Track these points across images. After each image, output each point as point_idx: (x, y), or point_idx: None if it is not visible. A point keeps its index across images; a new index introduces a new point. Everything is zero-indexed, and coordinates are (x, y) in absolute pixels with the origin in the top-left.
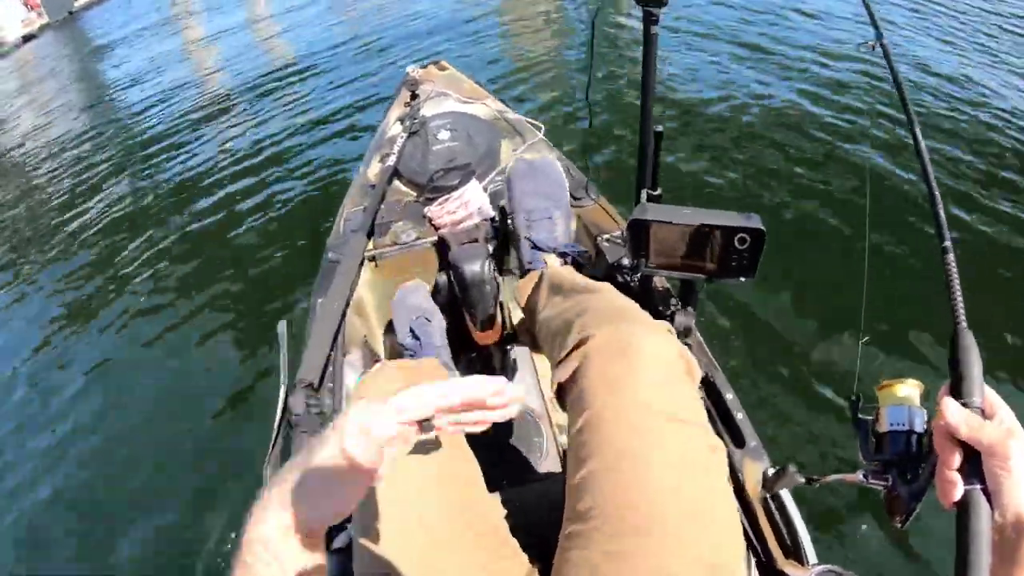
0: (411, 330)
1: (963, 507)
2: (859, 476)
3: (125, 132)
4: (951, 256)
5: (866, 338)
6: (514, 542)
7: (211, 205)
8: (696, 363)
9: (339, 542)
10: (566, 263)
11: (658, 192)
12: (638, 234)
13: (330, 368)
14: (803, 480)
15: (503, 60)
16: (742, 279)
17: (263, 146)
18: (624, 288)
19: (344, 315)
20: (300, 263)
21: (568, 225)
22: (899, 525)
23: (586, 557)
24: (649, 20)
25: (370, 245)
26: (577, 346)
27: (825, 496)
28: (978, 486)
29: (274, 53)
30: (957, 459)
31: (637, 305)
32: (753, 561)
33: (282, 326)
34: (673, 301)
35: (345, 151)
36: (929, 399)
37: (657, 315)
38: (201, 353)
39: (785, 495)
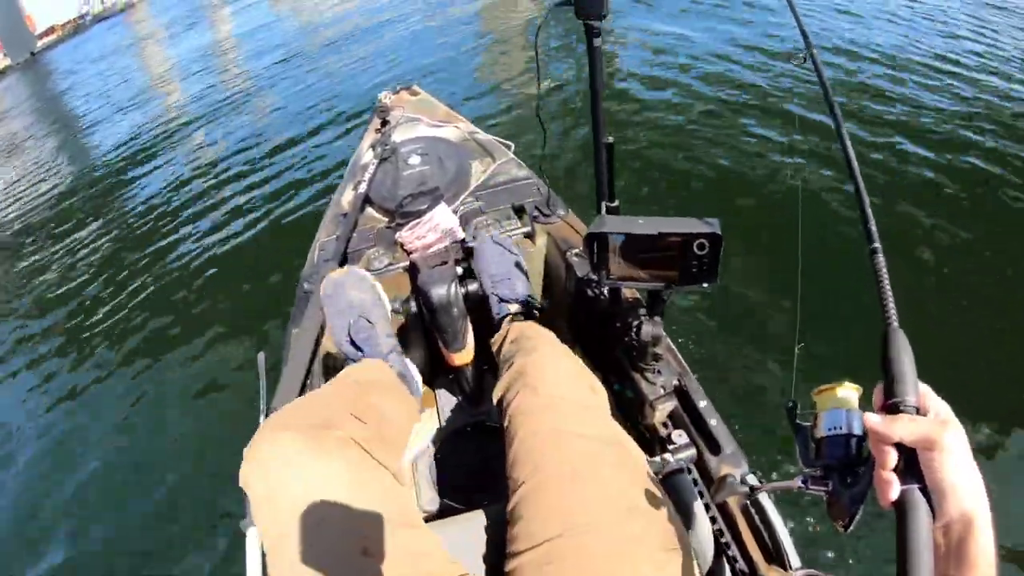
0: (350, 337)
1: (900, 507)
2: (798, 483)
3: (91, 167)
4: (880, 258)
5: (801, 344)
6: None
7: (181, 240)
8: (599, 383)
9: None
10: (523, 309)
11: (615, 203)
12: (595, 248)
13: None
14: (746, 489)
15: (477, 78)
16: (705, 285)
17: (232, 179)
18: (593, 301)
19: (319, 343)
20: (277, 295)
21: (526, 283)
22: (842, 530)
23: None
24: (590, 33)
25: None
26: (504, 372)
27: (807, 500)
28: (915, 485)
29: (241, 81)
30: (893, 459)
31: (561, 344)
32: (728, 570)
33: (261, 357)
34: (642, 311)
35: (318, 181)
36: (868, 400)
37: (625, 326)
38: (179, 389)
39: (765, 500)
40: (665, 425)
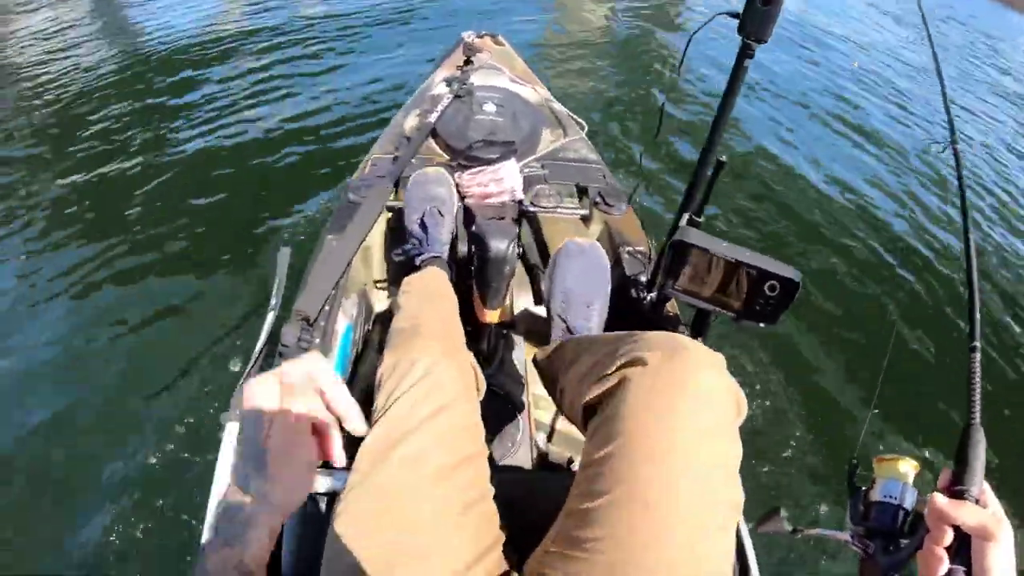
0: (422, 219)
1: None
2: (847, 535)
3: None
4: (978, 355)
5: (876, 410)
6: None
7: (226, 143)
8: (745, 400)
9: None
10: None
11: (702, 219)
12: (677, 255)
13: (326, 307)
14: (789, 529)
15: (556, 48)
16: (761, 325)
17: (276, 100)
18: (635, 302)
19: (352, 258)
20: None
21: (603, 319)
22: None
23: None
24: (745, 53)
25: (393, 196)
26: (621, 367)
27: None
28: (961, 568)
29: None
30: (948, 538)
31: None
32: None
33: (284, 253)
34: (682, 328)
35: (370, 105)
36: (924, 480)
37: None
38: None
39: (744, 532)
40: None
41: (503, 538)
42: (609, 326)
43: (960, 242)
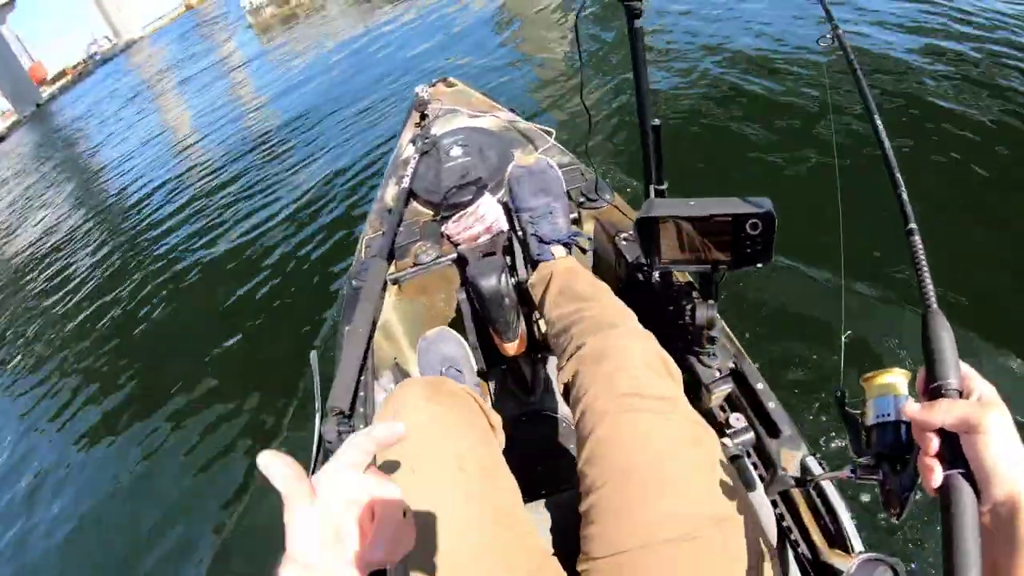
0: None
1: (944, 494)
2: (847, 472)
3: (111, 210)
4: (916, 238)
5: (848, 332)
6: (550, 555)
7: (219, 270)
8: (674, 365)
9: None
10: (569, 252)
11: (664, 186)
12: (646, 232)
13: (361, 393)
14: (793, 483)
15: (511, 69)
16: (759, 265)
17: (264, 208)
18: (645, 286)
19: (371, 339)
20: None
21: (568, 217)
22: (895, 519)
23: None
24: (631, 14)
25: (392, 268)
26: (572, 353)
27: (864, 485)
28: (958, 471)
29: (268, 107)
30: (935, 445)
31: (627, 312)
32: (791, 554)
33: (313, 356)
34: (695, 294)
35: (357, 191)
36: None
37: (679, 310)
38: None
39: (826, 483)
40: (723, 409)
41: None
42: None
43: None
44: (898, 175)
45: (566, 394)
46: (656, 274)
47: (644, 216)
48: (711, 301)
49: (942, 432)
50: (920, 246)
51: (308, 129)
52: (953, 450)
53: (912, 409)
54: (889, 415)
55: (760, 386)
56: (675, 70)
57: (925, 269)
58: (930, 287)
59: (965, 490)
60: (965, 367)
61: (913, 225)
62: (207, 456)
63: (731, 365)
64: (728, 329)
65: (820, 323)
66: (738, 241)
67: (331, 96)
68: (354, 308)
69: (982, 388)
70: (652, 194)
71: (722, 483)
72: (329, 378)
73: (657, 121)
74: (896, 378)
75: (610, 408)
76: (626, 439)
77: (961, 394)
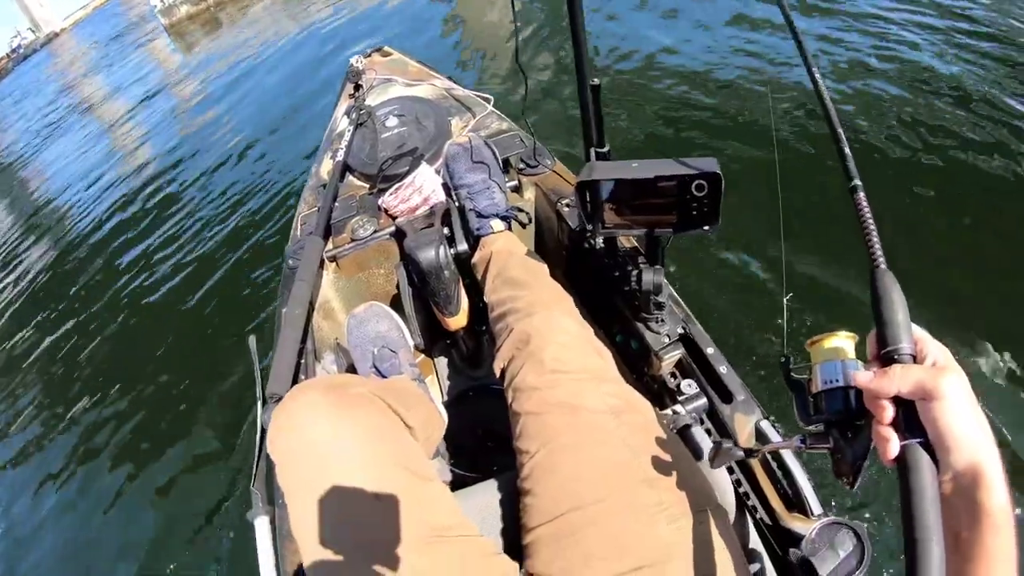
0: (375, 367)
1: (902, 464)
2: (796, 442)
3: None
4: (861, 195)
5: (790, 294)
6: (495, 555)
7: (152, 272)
8: (602, 345)
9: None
10: (508, 226)
11: (605, 148)
12: (587, 197)
13: (302, 376)
14: (742, 454)
15: (449, 37)
16: (706, 228)
17: (192, 200)
18: (590, 252)
19: (309, 319)
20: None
21: (505, 192)
22: (849, 487)
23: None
24: None
25: (329, 245)
26: (506, 339)
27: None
28: (916, 440)
29: (195, 103)
30: (889, 414)
31: (560, 294)
32: (749, 520)
33: (252, 341)
34: (641, 259)
35: (291, 170)
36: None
37: (624, 276)
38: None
39: (782, 448)
40: (673, 375)
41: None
42: (572, 279)
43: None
44: (839, 130)
45: (502, 378)
46: (600, 240)
47: (584, 180)
48: (657, 266)
49: (897, 400)
50: (865, 203)
51: (235, 119)
52: (909, 418)
53: (864, 378)
54: (837, 381)
55: (710, 351)
56: (621, 32)
57: (872, 227)
58: (877, 245)
59: (924, 460)
60: (918, 330)
61: (857, 182)
62: (145, 456)
63: (680, 330)
64: (676, 294)
65: (766, 289)
66: (684, 203)
67: (260, 85)
68: (291, 288)
69: (936, 352)
70: (593, 157)
71: (653, 447)
72: (270, 362)
73: (596, 80)
74: (843, 342)
75: (538, 384)
76: (552, 411)
77: (915, 359)
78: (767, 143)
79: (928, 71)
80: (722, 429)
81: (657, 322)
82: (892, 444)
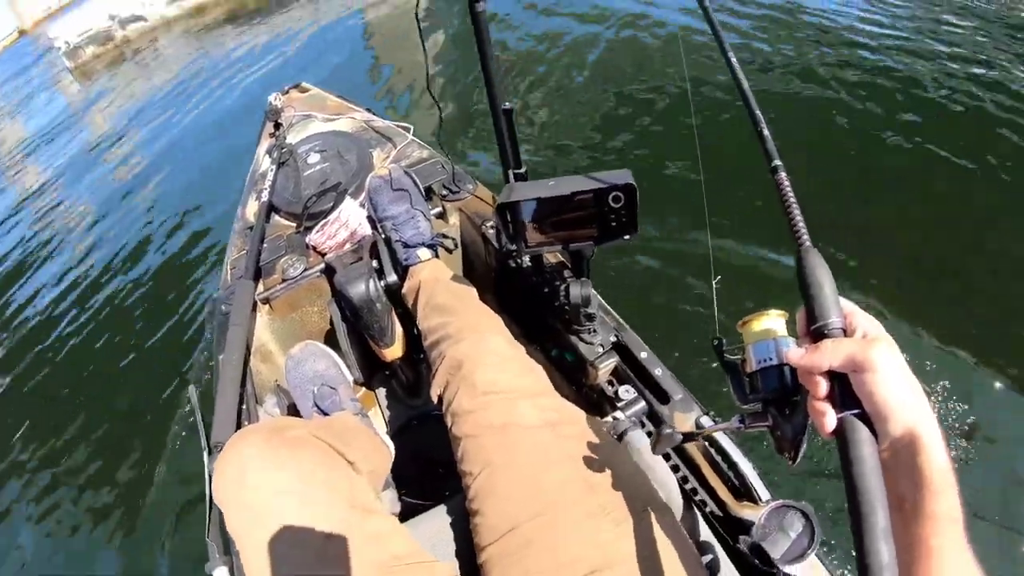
0: (316, 405)
1: (840, 436)
2: (735, 423)
3: None
4: (783, 175)
5: (718, 277)
6: (448, 566)
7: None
8: (533, 362)
9: None
10: (435, 253)
11: (523, 170)
12: (508, 218)
13: (244, 422)
14: (681, 437)
15: (367, 68)
16: (626, 237)
17: (115, 248)
18: (517, 272)
19: (247, 365)
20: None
21: (430, 220)
22: (790, 463)
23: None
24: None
25: (260, 287)
26: (440, 365)
27: (759, 434)
28: (852, 412)
29: (105, 148)
30: (824, 388)
31: (488, 316)
32: (699, 515)
33: (192, 391)
34: (567, 273)
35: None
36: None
37: (553, 291)
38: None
39: (724, 439)
40: (611, 383)
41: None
42: (502, 299)
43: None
44: (758, 112)
45: (440, 404)
46: (526, 259)
47: (504, 202)
48: (584, 279)
49: (830, 374)
50: (787, 183)
51: (152, 162)
52: (844, 391)
53: (796, 355)
54: (771, 359)
55: (644, 355)
56: (530, 49)
57: (795, 206)
58: (801, 224)
59: (862, 431)
60: (846, 303)
61: (778, 162)
62: (93, 514)
63: (613, 339)
64: (605, 303)
65: (694, 281)
66: (602, 216)
67: (176, 125)
68: (226, 335)
69: (866, 324)
70: (511, 179)
71: (591, 454)
72: (212, 412)
73: (508, 104)
74: (773, 321)
75: (472, 407)
76: (487, 432)
77: (845, 332)
78: (688, 136)
79: (847, 47)
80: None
81: (589, 333)
82: (829, 418)
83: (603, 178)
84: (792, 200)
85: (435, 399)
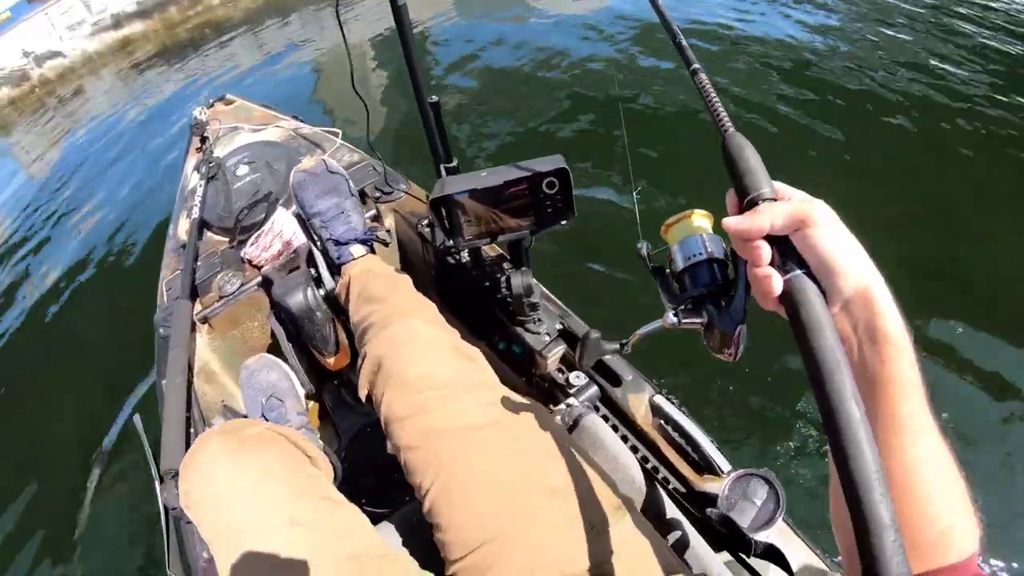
0: (263, 416)
1: (789, 299)
2: (670, 318)
3: None
4: (702, 75)
5: (639, 187)
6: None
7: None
8: (470, 347)
9: None
10: (371, 249)
11: (454, 163)
12: (443, 213)
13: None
14: (614, 347)
15: (294, 76)
16: (563, 223)
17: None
18: (457, 268)
19: (191, 387)
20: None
21: (361, 214)
22: (731, 359)
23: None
24: None
25: (198, 306)
26: (362, 363)
27: (723, 407)
28: (798, 271)
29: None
30: (766, 253)
31: (422, 303)
32: (663, 493)
33: (137, 420)
34: (507, 264)
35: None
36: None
37: (494, 284)
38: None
39: (679, 417)
40: (560, 370)
41: None
42: (444, 296)
43: None
44: (675, 26)
45: (369, 402)
46: (465, 254)
47: (437, 197)
48: (524, 268)
49: (770, 239)
50: (707, 81)
51: (77, 196)
52: (787, 253)
53: (732, 221)
54: (700, 254)
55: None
56: (453, 41)
57: (715, 99)
58: (723, 113)
59: (811, 289)
60: (776, 182)
61: (696, 65)
62: (41, 554)
63: (559, 326)
64: (548, 292)
65: (626, 252)
66: (538, 203)
67: (100, 160)
68: (166, 358)
69: (798, 193)
70: (443, 173)
71: (545, 450)
72: (158, 439)
73: (435, 98)
74: (700, 220)
75: (407, 411)
76: (430, 442)
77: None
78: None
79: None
80: (617, 412)
81: (535, 323)
82: (775, 279)
83: (535, 165)
84: (713, 95)
85: (363, 398)
